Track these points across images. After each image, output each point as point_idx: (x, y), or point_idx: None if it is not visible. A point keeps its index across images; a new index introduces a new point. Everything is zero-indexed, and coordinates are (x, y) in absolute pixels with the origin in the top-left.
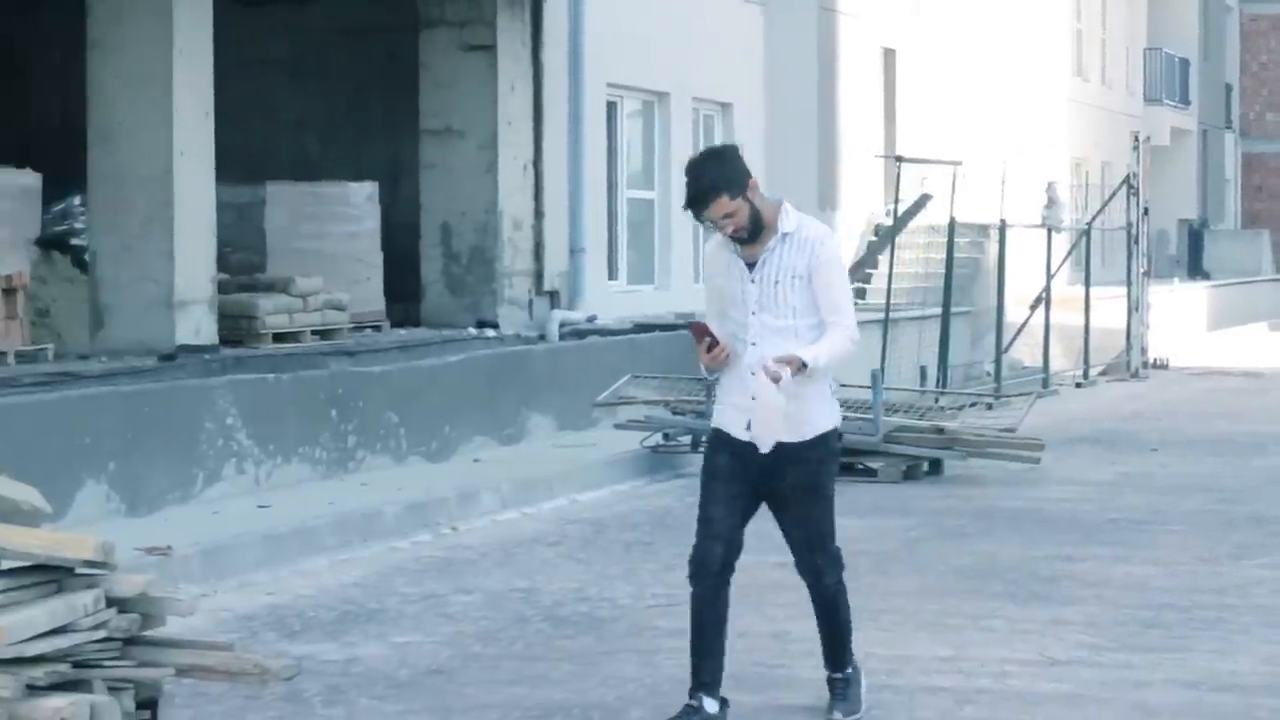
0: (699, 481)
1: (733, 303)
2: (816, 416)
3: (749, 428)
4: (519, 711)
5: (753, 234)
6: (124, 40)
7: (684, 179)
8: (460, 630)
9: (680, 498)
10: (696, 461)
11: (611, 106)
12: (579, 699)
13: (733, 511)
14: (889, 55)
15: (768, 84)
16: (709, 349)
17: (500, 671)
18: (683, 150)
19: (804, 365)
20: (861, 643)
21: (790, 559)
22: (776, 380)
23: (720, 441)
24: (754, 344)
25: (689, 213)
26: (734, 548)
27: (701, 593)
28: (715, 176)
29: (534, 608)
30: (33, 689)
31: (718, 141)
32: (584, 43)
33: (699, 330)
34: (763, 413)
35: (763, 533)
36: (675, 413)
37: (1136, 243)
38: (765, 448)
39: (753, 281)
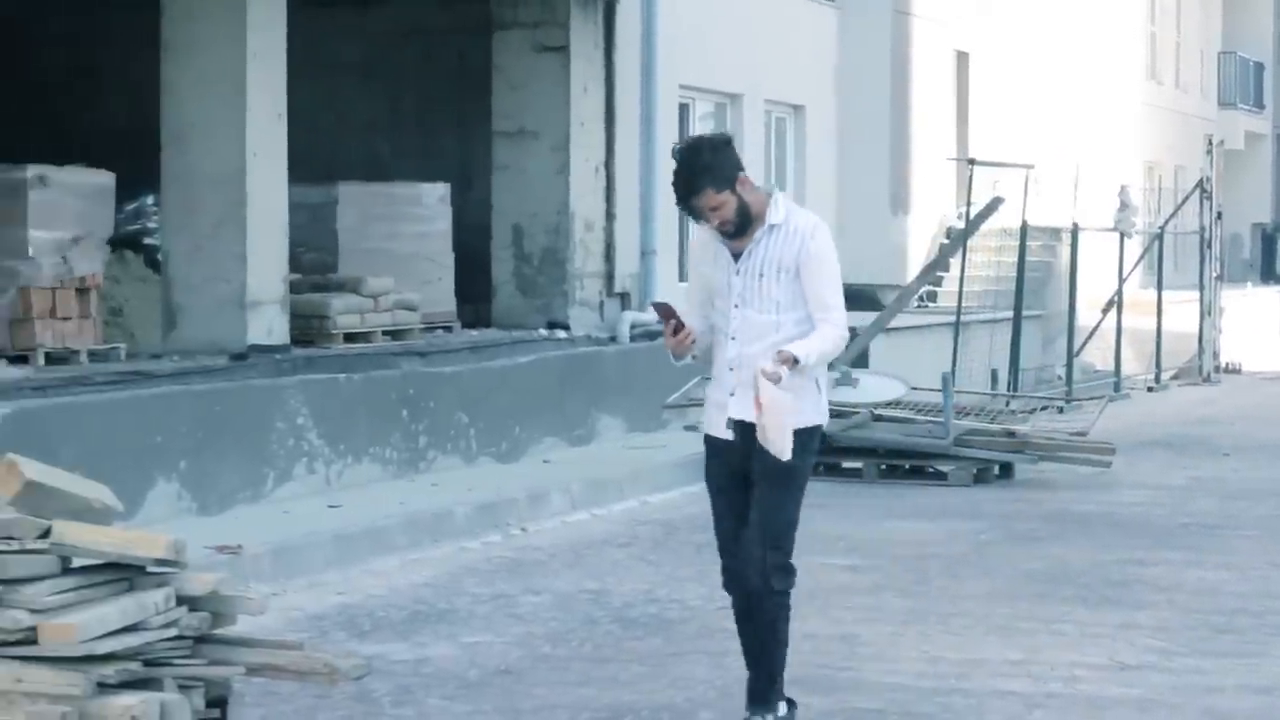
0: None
1: (718, 293)
2: (805, 408)
3: (729, 426)
4: (588, 713)
5: (740, 228)
6: (197, 41)
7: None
8: (530, 631)
9: None
10: None
11: (684, 108)
12: (648, 701)
13: (742, 522)
14: (962, 58)
15: (840, 86)
16: (675, 331)
17: (569, 673)
18: (756, 153)
19: (796, 361)
20: (931, 646)
21: (856, 561)
22: (776, 380)
23: (711, 448)
24: (734, 338)
25: (686, 205)
26: (753, 556)
27: (738, 605)
28: (702, 168)
29: (603, 609)
30: (104, 687)
31: (790, 144)
32: (657, 44)
33: (664, 311)
34: (772, 418)
35: (829, 535)
36: None
37: (1209, 246)
38: (782, 453)
39: (737, 273)
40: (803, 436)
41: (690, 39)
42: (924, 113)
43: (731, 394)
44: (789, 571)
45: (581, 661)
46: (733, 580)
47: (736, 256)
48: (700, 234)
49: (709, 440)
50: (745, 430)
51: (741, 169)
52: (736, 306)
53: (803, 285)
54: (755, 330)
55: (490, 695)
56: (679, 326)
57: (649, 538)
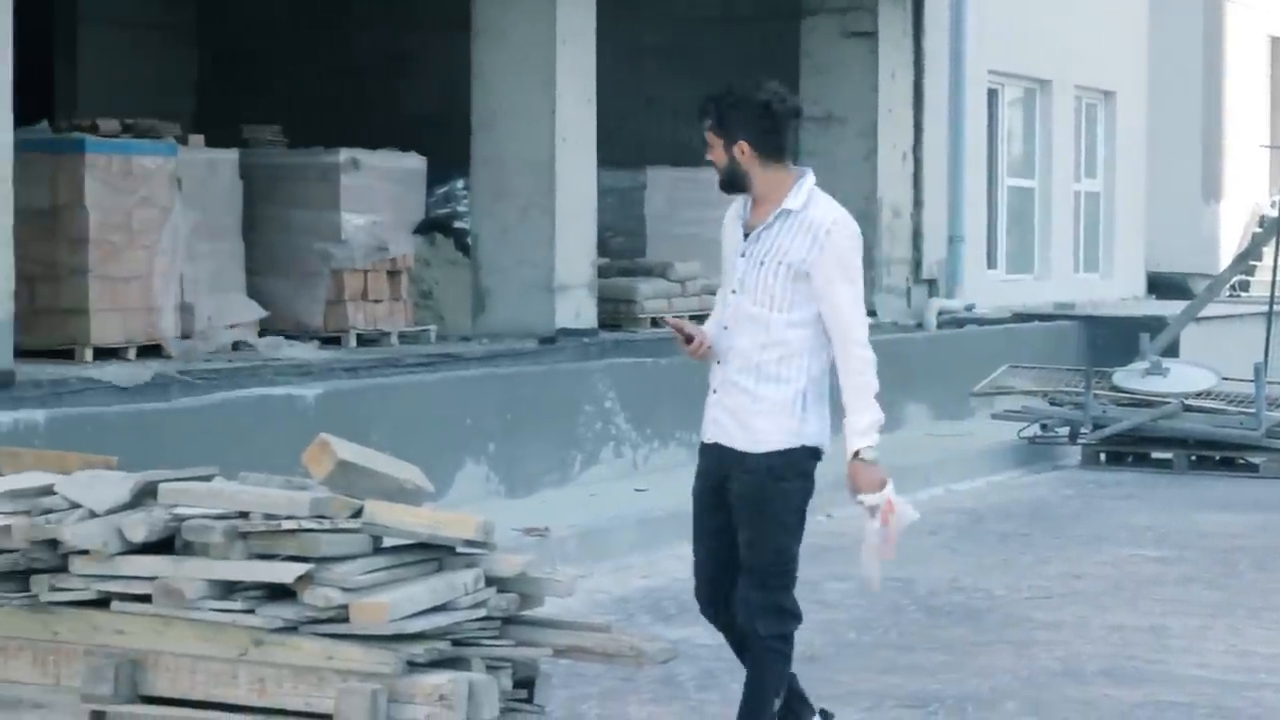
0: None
1: (724, 274)
2: (774, 428)
3: (710, 426)
4: (892, 700)
5: (726, 186)
6: (508, 27)
7: None
8: (834, 618)
9: (1057, 489)
10: (1074, 454)
11: (992, 94)
12: (953, 689)
13: (721, 546)
14: (1276, 43)
15: (1151, 72)
16: (687, 341)
17: (874, 660)
18: (1065, 140)
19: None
20: (1241, 640)
21: (1165, 552)
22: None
23: (700, 456)
24: (725, 327)
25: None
26: (720, 586)
27: (729, 640)
28: (720, 101)
29: (908, 597)
30: (413, 665)
31: (1100, 131)
32: (966, 29)
33: (674, 326)
34: (873, 553)
35: (1138, 525)
36: (1053, 403)
37: None
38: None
39: (742, 255)
40: (783, 459)
41: (1000, 23)
42: (1236, 99)
43: (714, 391)
44: (780, 615)
45: (886, 649)
46: (702, 608)
47: (746, 236)
48: (730, 209)
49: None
50: (722, 452)
51: (746, 139)
52: (734, 292)
53: (816, 292)
54: (746, 323)
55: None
56: (689, 337)
57: (954, 526)
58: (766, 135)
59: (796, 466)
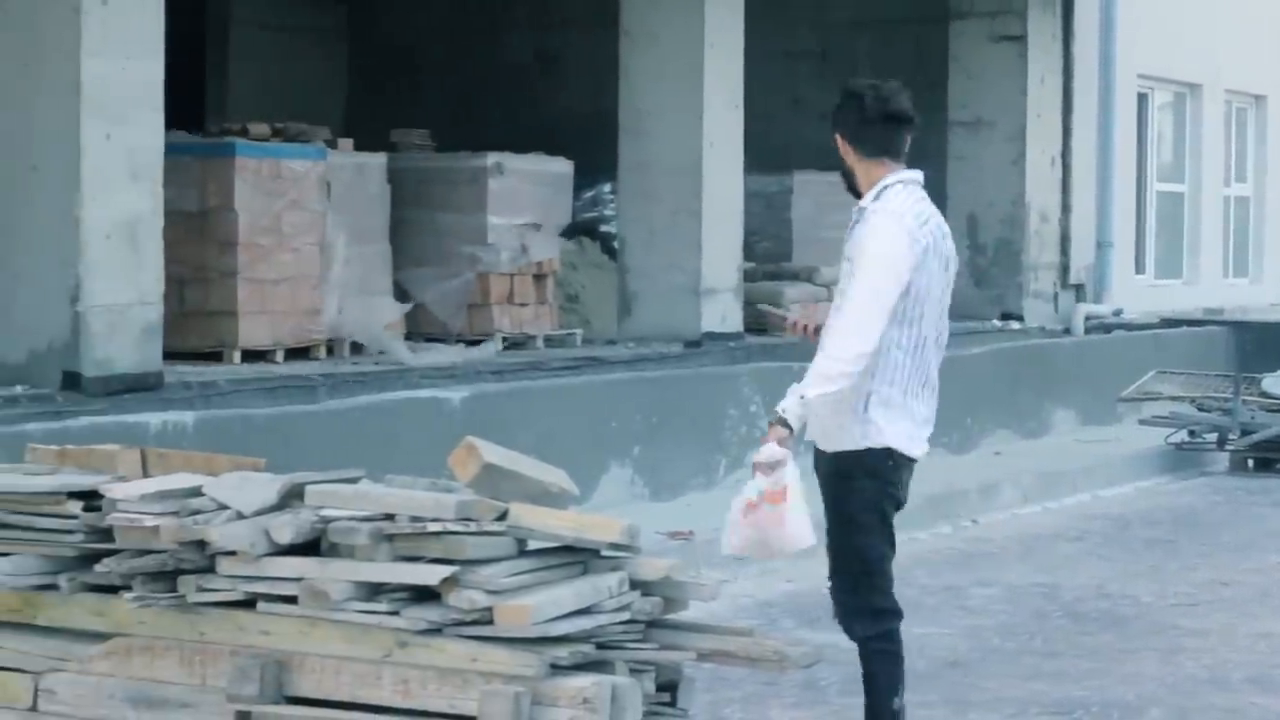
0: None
1: None
2: (843, 429)
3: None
4: (1037, 707)
5: (846, 183)
6: (656, 30)
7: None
8: (979, 623)
9: (1204, 496)
10: (1222, 460)
11: (1142, 98)
12: (1098, 696)
13: None
14: None
15: None
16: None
17: (1019, 666)
18: (1215, 144)
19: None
20: None
21: None
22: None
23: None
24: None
25: None
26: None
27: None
28: (839, 104)
29: (1054, 603)
30: (556, 668)
31: (1250, 135)
32: (1115, 34)
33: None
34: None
35: (1274, 530)
36: (1201, 409)
37: None
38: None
39: (846, 257)
40: (848, 460)
41: (1149, 27)
42: None
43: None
44: (876, 615)
45: (1031, 655)
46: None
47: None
48: None
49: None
50: (816, 454)
51: (843, 133)
52: (837, 295)
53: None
54: (829, 325)
55: (939, 687)
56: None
57: (1100, 532)
58: (859, 129)
59: (865, 466)
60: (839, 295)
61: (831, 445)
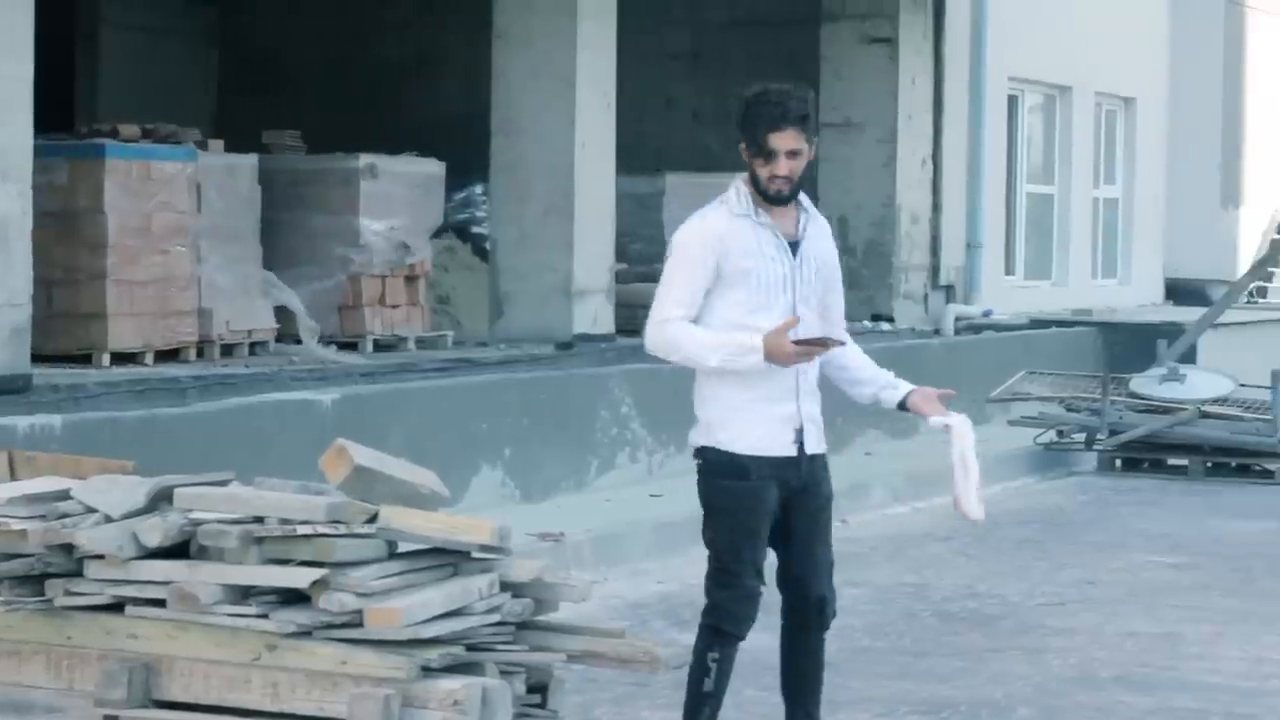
0: (734, 519)
1: (769, 289)
2: (823, 429)
3: (798, 439)
4: (906, 706)
5: (792, 194)
6: (529, 32)
7: (754, 98)
8: (848, 623)
9: (1072, 496)
10: (1090, 460)
11: (1012, 100)
12: (966, 695)
13: (764, 551)
14: None
15: (1171, 78)
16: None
17: (887, 665)
18: (1084, 146)
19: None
20: (1255, 647)
21: (1180, 559)
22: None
23: (764, 467)
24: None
25: (754, 133)
26: (814, 593)
27: (734, 651)
28: (806, 105)
29: (923, 603)
30: (427, 670)
31: (1119, 137)
32: (986, 36)
33: (823, 342)
34: (973, 479)
35: (1154, 532)
36: (1070, 409)
37: None
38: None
39: (796, 265)
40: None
41: (1019, 30)
42: (1257, 104)
43: (800, 403)
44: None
45: (900, 655)
46: (742, 621)
47: (792, 246)
48: (719, 219)
49: (762, 460)
50: (812, 460)
51: (816, 137)
52: (799, 306)
53: (830, 289)
54: (811, 330)
55: None
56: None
57: (969, 532)
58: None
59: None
60: (811, 293)
61: (823, 446)
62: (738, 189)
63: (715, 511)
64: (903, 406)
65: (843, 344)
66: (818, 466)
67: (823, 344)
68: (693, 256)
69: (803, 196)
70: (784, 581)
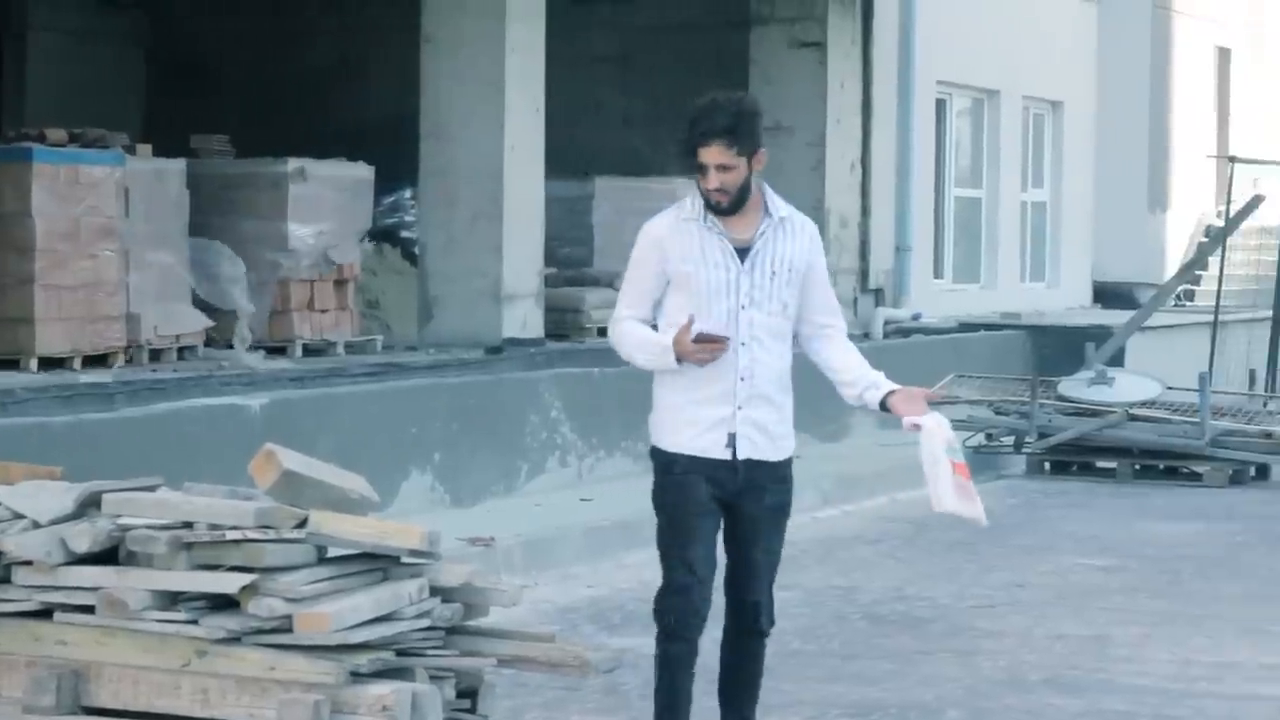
0: (666, 516)
1: (709, 293)
2: (790, 433)
3: (731, 444)
4: (836, 709)
5: (733, 206)
6: (458, 36)
7: (692, 110)
8: (778, 626)
9: (1002, 499)
10: (1020, 463)
11: (940, 104)
12: (896, 698)
13: (712, 551)
14: (1223, 54)
15: (1099, 83)
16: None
17: (818, 668)
18: (1012, 150)
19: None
20: (1184, 648)
21: (1109, 561)
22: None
23: (691, 464)
24: (744, 343)
25: (688, 146)
26: (710, 593)
27: (680, 651)
28: (732, 119)
29: (853, 605)
30: (356, 676)
31: (1047, 141)
32: (915, 40)
33: (713, 338)
34: (955, 489)
35: (1082, 534)
36: (999, 413)
37: None
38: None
39: (745, 270)
40: (791, 464)
41: (948, 34)
42: (1184, 109)
43: (739, 408)
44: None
45: (830, 658)
46: (685, 621)
47: (741, 251)
48: (662, 225)
49: (687, 459)
50: (751, 466)
51: (763, 147)
52: (744, 308)
53: (809, 290)
54: (768, 336)
55: None
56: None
57: (899, 535)
58: (762, 139)
59: (792, 465)
60: (766, 298)
61: (782, 453)
62: (693, 194)
63: (655, 508)
64: (886, 406)
65: (725, 339)
66: (761, 474)
67: (714, 340)
68: (635, 258)
69: (774, 201)
70: (725, 586)
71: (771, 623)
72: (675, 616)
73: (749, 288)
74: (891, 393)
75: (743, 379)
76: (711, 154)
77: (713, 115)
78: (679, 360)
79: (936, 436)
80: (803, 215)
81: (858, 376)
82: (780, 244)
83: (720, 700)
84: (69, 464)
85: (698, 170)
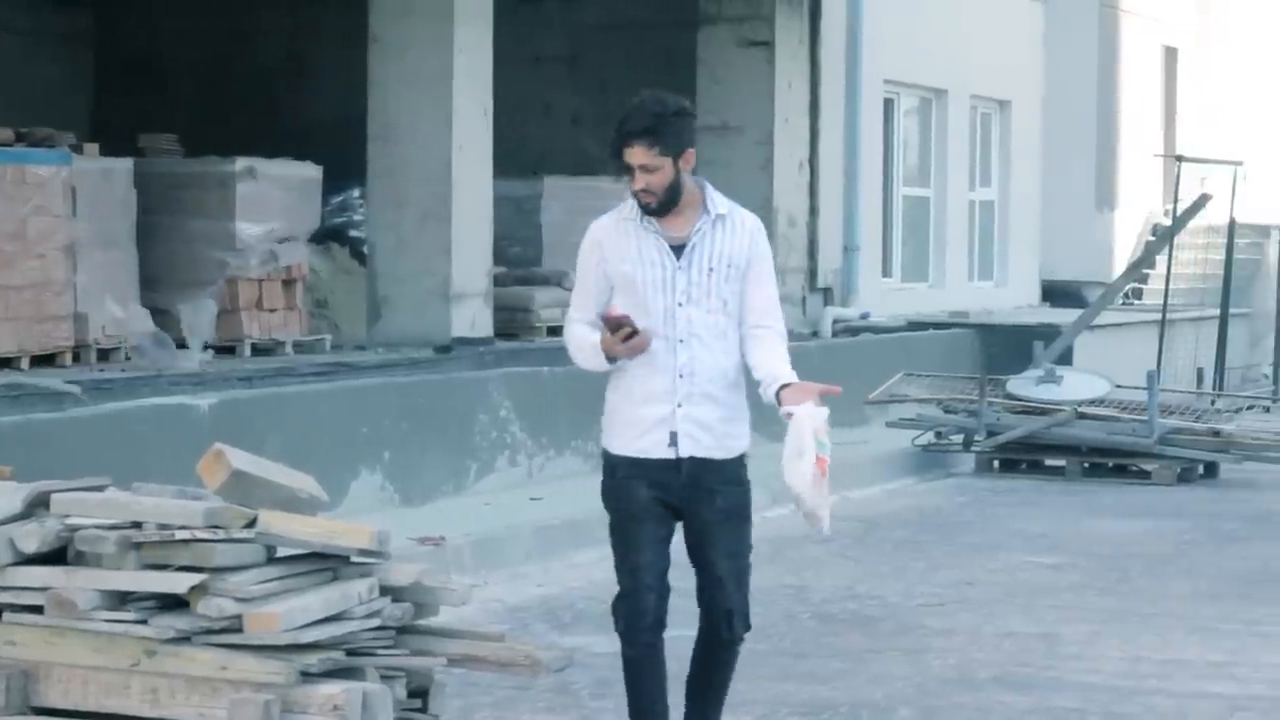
0: (612, 520)
1: (648, 291)
2: (740, 432)
3: (673, 442)
4: (786, 708)
5: (663, 206)
6: (405, 37)
7: (622, 113)
8: None
9: (951, 497)
10: (968, 461)
11: (888, 103)
12: (847, 696)
13: (660, 555)
14: (1170, 53)
15: (1046, 82)
16: (626, 338)
17: (768, 667)
18: (960, 149)
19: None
20: (1133, 646)
21: (1058, 559)
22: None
23: (636, 468)
24: (682, 341)
25: (615, 150)
26: (666, 595)
27: (637, 655)
28: (652, 119)
29: (803, 604)
30: (307, 676)
31: (995, 140)
32: (862, 39)
33: (618, 321)
34: (811, 479)
35: (1031, 532)
36: (948, 411)
37: None
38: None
39: (681, 268)
40: (745, 461)
41: (895, 34)
42: (1131, 109)
43: (679, 405)
44: (748, 613)
45: (781, 656)
46: (634, 625)
47: (677, 248)
48: (603, 226)
49: (629, 460)
50: (695, 465)
51: (691, 146)
52: (680, 305)
53: (746, 288)
54: (707, 333)
55: None
56: (633, 333)
57: (848, 533)
58: (692, 139)
59: (746, 466)
60: (704, 295)
61: (732, 451)
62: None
63: (605, 511)
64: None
65: (636, 328)
66: (708, 474)
67: (619, 321)
68: (580, 261)
69: (714, 198)
70: (696, 594)
71: (747, 627)
72: (625, 622)
73: (685, 285)
74: (786, 385)
75: (682, 376)
76: (635, 154)
77: (635, 116)
78: (610, 360)
79: (805, 426)
80: (747, 212)
81: (765, 374)
82: (718, 241)
83: (686, 696)
84: (17, 464)
85: (625, 171)
